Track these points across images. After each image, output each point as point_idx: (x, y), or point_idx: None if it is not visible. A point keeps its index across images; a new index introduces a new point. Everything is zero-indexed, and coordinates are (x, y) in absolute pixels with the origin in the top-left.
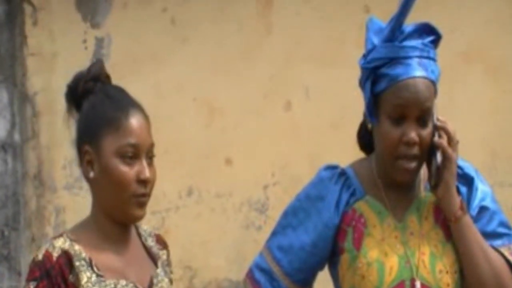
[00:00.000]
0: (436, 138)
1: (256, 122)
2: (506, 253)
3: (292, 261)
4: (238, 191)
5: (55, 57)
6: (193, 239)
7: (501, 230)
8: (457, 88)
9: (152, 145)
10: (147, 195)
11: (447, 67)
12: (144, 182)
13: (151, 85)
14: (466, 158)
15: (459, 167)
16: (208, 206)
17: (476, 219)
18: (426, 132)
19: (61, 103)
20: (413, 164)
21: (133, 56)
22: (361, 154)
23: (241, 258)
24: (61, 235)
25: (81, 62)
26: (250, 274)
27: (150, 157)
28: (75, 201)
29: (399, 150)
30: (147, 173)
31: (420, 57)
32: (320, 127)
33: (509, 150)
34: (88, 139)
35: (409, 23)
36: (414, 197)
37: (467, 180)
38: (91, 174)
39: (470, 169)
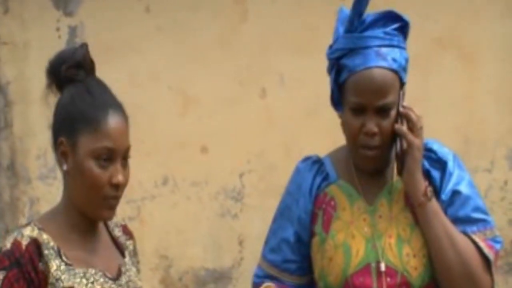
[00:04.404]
0: (396, 125)
1: (232, 110)
2: (478, 239)
3: (285, 257)
4: (213, 179)
5: (27, 46)
6: (169, 228)
7: (476, 215)
8: (431, 75)
9: (128, 148)
10: (118, 198)
11: (421, 54)
12: (116, 186)
13: (125, 74)
14: None
15: (433, 151)
16: (183, 194)
17: (448, 204)
18: (387, 121)
19: (34, 92)
20: (373, 153)
21: (107, 45)
22: (335, 141)
23: (217, 247)
24: (28, 224)
25: (54, 51)
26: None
27: (125, 159)
28: (49, 192)
29: (360, 140)
30: (120, 178)
31: (380, 46)
32: (295, 114)
33: (481, 136)
34: (64, 132)
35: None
36: (387, 181)
37: (441, 165)
38: (65, 167)
39: (445, 154)
